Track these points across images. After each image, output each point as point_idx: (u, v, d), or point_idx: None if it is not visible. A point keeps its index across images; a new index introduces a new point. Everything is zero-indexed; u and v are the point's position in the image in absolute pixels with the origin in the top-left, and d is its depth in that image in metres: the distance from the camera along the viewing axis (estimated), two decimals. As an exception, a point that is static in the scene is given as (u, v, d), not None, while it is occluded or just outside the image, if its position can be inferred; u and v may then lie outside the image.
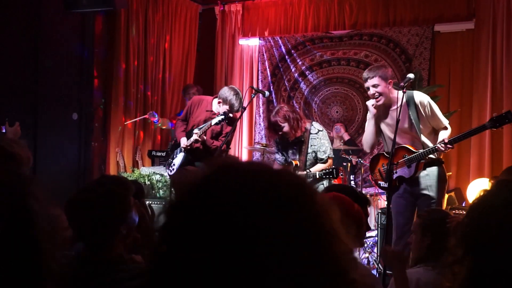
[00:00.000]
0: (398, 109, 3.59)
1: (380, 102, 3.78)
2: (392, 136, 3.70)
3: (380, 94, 3.75)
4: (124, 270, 1.65)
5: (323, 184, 4.30)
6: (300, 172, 4.15)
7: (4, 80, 4.90)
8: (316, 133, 4.29)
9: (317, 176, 4.22)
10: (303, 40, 7.02)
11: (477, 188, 5.36)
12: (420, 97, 3.77)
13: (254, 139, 7.35)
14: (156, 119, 6.20)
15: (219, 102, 4.52)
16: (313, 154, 4.29)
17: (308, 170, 4.27)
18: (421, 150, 3.70)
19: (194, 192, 0.72)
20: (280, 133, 4.29)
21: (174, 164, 4.80)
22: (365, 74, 3.83)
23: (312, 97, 7.02)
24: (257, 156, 7.25)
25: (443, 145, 3.59)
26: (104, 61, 6.29)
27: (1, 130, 3.77)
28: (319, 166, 4.33)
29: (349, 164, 5.85)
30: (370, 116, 3.98)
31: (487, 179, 5.26)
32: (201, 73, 7.63)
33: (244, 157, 7.37)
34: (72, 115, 5.69)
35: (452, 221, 2.22)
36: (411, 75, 3.80)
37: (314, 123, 4.40)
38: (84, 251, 1.70)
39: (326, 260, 0.70)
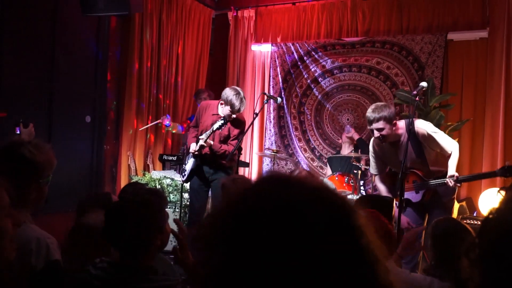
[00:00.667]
0: (405, 142, 3.58)
1: (385, 144, 3.76)
2: (401, 165, 3.64)
3: (385, 136, 3.69)
4: (154, 281, 1.67)
5: None
6: None
7: (20, 82, 4.97)
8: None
9: None
10: (315, 46, 7.03)
11: (488, 197, 5.32)
12: (422, 129, 3.69)
13: (265, 145, 7.36)
14: (168, 122, 6.24)
15: (221, 104, 4.56)
16: None
17: None
18: (431, 181, 3.71)
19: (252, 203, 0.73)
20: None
21: (185, 170, 4.84)
22: (369, 115, 3.65)
23: (324, 104, 7.03)
24: (267, 162, 7.26)
25: (452, 182, 3.58)
26: (118, 64, 6.36)
27: (16, 132, 3.82)
28: None
29: (359, 172, 5.83)
30: (373, 158, 3.98)
31: (497, 189, 5.21)
32: (213, 77, 7.67)
33: (255, 163, 7.38)
34: (86, 117, 5.74)
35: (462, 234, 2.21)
36: (423, 84, 3.81)
37: (324, 179, 4.34)
38: (119, 259, 1.71)
39: (368, 278, 0.71)
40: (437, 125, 5.60)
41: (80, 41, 5.66)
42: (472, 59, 6.15)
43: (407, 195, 3.77)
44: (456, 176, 3.58)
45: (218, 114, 4.63)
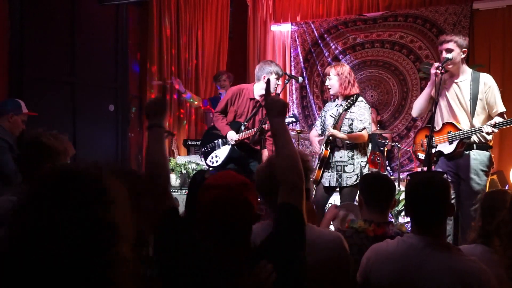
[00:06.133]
0: (465, 83, 3.71)
1: (449, 67, 3.73)
2: (447, 106, 3.79)
3: (451, 60, 3.68)
4: None
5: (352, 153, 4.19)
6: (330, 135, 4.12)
7: (43, 73, 5.03)
8: (360, 101, 4.21)
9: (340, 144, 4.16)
10: (336, 23, 6.90)
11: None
12: (487, 77, 3.76)
13: (288, 126, 7.30)
14: (188, 94, 6.18)
15: (264, 77, 4.47)
16: (350, 121, 4.14)
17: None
18: (466, 129, 3.68)
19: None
20: (327, 85, 4.33)
21: (217, 156, 4.78)
22: (442, 37, 3.80)
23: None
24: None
25: (490, 126, 3.55)
26: (139, 53, 6.37)
27: None
28: (350, 135, 4.13)
29: (385, 149, 5.75)
30: (429, 83, 3.93)
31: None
32: (234, 60, 7.62)
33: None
34: (109, 106, 5.79)
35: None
36: (449, 55, 3.70)
37: (362, 97, 4.33)
38: None
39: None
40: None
41: (99, 32, 5.68)
42: (500, 29, 5.93)
43: (440, 147, 3.78)
44: (495, 122, 3.58)
45: (255, 99, 4.57)
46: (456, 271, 1.82)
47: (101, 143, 5.73)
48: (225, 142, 4.71)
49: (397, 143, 5.75)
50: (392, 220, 4.59)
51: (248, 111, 4.60)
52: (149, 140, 1.86)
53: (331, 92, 4.29)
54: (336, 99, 4.31)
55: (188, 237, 1.61)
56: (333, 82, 4.21)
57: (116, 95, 5.88)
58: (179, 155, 6.55)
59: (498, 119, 3.63)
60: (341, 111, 4.13)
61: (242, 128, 4.55)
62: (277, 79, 4.48)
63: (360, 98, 4.23)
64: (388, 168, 5.98)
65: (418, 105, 4.02)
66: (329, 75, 4.26)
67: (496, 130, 3.60)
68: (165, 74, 6.46)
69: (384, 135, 5.81)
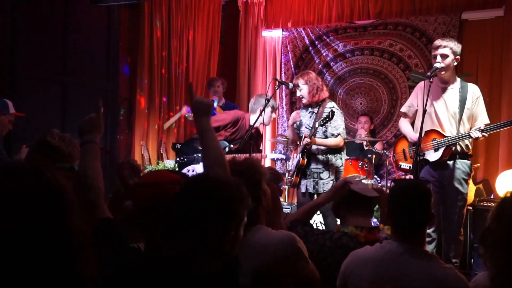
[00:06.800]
0: (453, 91, 3.79)
1: (442, 74, 3.79)
2: (433, 113, 3.80)
3: (440, 69, 3.74)
4: None
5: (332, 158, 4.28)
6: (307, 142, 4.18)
7: (34, 73, 5.00)
8: (331, 107, 4.27)
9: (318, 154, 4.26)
10: (327, 30, 6.94)
11: (506, 179, 5.23)
12: (474, 88, 3.85)
13: (277, 132, 7.32)
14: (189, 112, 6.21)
15: (260, 113, 4.46)
16: (324, 129, 4.24)
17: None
18: (451, 136, 3.73)
19: None
20: (299, 96, 4.38)
21: (194, 171, 4.82)
22: (438, 41, 3.81)
23: (337, 89, 6.95)
24: (280, 148, 7.23)
25: (478, 131, 3.60)
26: (129, 55, 6.35)
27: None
28: (326, 141, 4.25)
29: (374, 156, 5.78)
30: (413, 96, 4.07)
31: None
32: (225, 65, 7.63)
33: (268, 149, 7.35)
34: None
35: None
36: (437, 65, 3.75)
37: (333, 102, 4.41)
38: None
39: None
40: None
41: (91, 32, 5.67)
42: (488, 39, 6.01)
43: (425, 155, 3.81)
44: (485, 125, 3.62)
45: (252, 128, 4.55)
46: (433, 278, 1.84)
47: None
48: None
49: (385, 151, 5.80)
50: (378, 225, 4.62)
51: (238, 138, 4.68)
52: (82, 156, 1.91)
53: (304, 101, 4.37)
54: (309, 107, 4.39)
55: (122, 246, 1.64)
56: (304, 92, 4.32)
57: (106, 97, 5.86)
58: (168, 158, 6.53)
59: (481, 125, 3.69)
60: (317, 126, 4.20)
61: (227, 150, 4.58)
62: (272, 111, 4.57)
63: (332, 104, 4.31)
64: (375, 175, 6.01)
65: (402, 130, 4.16)
66: (298, 86, 4.33)
67: (486, 135, 3.65)
68: (155, 76, 6.44)
69: (372, 141, 5.85)
